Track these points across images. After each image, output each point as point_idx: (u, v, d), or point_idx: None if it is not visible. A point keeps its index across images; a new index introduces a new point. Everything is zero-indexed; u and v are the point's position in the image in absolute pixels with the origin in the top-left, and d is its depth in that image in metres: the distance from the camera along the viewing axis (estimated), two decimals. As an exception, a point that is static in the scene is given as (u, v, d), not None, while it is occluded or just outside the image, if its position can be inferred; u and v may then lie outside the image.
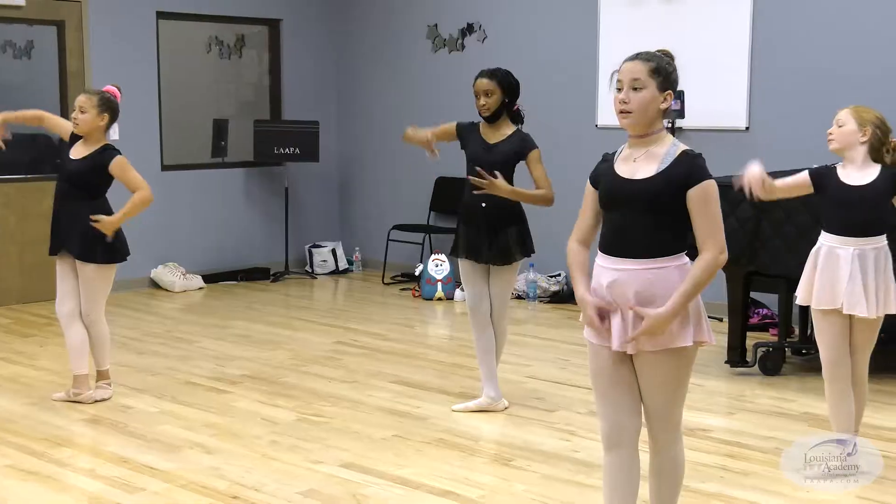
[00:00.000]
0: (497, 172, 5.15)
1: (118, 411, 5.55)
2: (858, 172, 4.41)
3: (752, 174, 4.43)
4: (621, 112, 3.27)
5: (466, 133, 5.50)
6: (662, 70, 3.25)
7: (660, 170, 3.23)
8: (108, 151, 5.54)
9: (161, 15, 9.12)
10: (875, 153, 4.40)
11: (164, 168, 9.21)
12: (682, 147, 3.27)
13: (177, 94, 9.52)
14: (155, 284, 9.13)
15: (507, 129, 5.40)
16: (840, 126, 4.41)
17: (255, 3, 9.72)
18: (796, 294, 4.63)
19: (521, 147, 5.35)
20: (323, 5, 10.15)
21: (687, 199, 3.20)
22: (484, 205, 5.35)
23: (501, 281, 5.48)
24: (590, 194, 3.40)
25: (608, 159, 3.38)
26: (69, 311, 5.64)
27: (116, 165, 5.51)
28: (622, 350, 3.26)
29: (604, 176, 3.34)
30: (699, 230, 3.20)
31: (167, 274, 9.10)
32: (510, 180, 5.31)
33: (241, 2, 9.61)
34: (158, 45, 9.10)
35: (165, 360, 6.67)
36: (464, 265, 5.52)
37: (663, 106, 3.27)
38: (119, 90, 5.73)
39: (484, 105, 5.34)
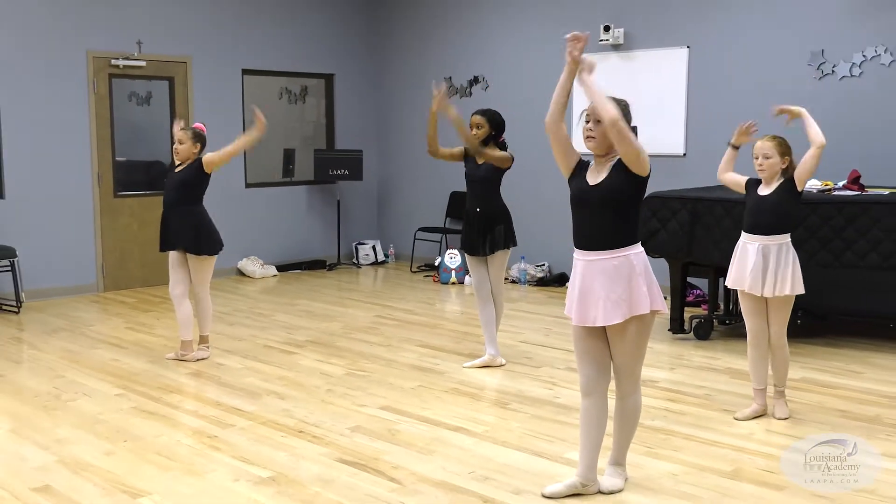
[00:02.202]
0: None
1: (214, 367, 5.57)
2: (767, 186, 4.39)
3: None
4: (588, 137, 3.35)
5: (466, 157, 5.51)
6: None
7: (607, 174, 3.28)
8: (199, 156, 5.56)
9: (246, 71, 9.12)
10: (785, 173, 4.37)
11: (247, 186, 9.23)
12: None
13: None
14: (240, 273, 9.14)
15: (493, 152, 5.39)
16: (768, 158, 4.34)
17: (314, 61, 9.70)
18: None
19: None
20: (366, 64, 10.12)
21: None
22: (479, 210, 5.37)
23: (496, 266, 5.47)
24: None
25: (584, 166, 3.41)
26: (180, 293, 5.65)
27: (206, 157, 5.51)
28: (604, 325, 3.25)
29: (577, 176, 3.37)
30: None
31: (249, 264, 9.12)
32: (495, 187, 5.38)
33: (304, 61, 9.60)
34: (244, 93, 9.10)
35: (249, 330, 6.67)
36: (468, 257, 5.52)
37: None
38: (204, 126, 5.73)
39: (474, 135, 5.33)
